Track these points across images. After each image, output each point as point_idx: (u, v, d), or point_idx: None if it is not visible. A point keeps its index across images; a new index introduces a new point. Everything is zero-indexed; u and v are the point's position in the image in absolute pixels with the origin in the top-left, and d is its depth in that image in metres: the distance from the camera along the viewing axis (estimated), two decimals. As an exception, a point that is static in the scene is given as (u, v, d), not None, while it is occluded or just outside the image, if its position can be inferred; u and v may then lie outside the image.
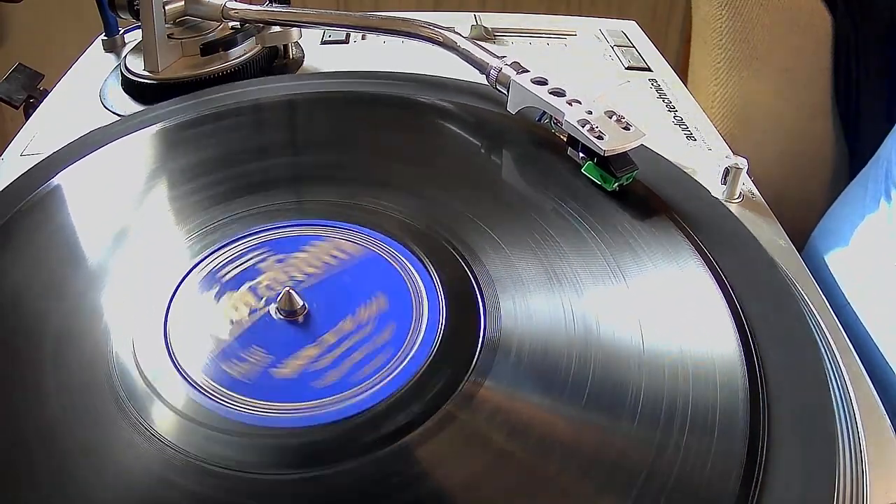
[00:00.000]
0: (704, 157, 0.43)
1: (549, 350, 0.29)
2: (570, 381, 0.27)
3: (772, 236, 0.37)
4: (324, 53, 0.55)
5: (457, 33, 0.45)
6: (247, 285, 0.32)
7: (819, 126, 0.73)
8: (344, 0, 1.01)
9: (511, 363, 0.28)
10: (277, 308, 0.30)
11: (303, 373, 0.28)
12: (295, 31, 0.51)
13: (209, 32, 0.51)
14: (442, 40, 0.45)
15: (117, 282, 0.33)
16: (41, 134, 0.46)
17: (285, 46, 0.52)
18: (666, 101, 0.49)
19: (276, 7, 0.50)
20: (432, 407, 0.27)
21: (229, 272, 0.32)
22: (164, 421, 0.27)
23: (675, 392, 0.27)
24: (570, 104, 0.38)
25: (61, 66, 0.54)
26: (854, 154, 0.73)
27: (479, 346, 0.29)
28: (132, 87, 0.49)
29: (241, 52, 0.49)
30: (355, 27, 0.50)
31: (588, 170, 0.37)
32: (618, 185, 0.36)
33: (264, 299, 0.31)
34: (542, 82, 0.39)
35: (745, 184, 0.39)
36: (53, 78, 0.53)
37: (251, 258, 0.33)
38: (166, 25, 0.49)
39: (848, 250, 0.47)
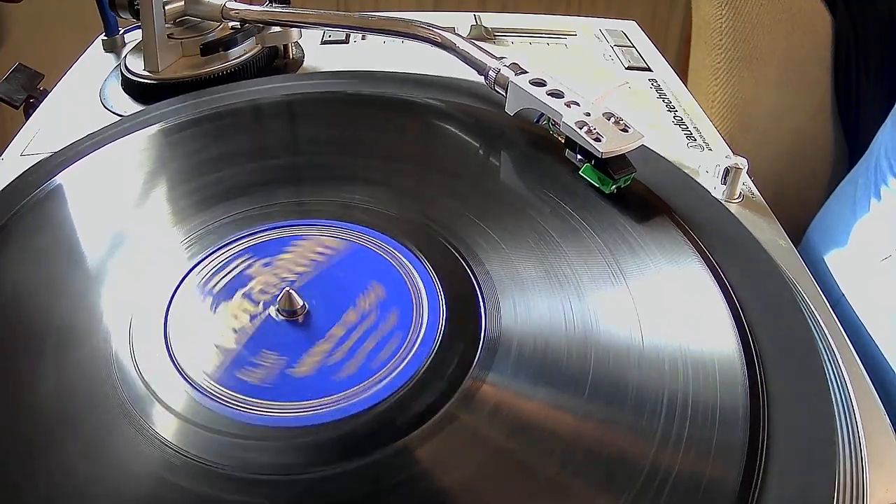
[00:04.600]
0: (704, 157, 0.43)
1: (550, 349, 0.29)
2: (570, 380, 0.27)
3: (772, 236, 0.37)
4: (324, 53, 0.55)
5: (456, 34, 0.45)
6: (240, 293, 0.32)
7: (819, 126, 0.73)
8: (344, 0, 1.01)
9: (511, 363, 0.28)
10: (278, 309, 0.30)
11: (321, 368, 0.28)
12: (295, 31, 0.51)
13: (209, 32, 0.51)
14: (441, 41, 0.45)
15: (117, 282, 0.33)
16: (41, 134, 0.46)
17: (285, 46, 0.52)
18: (666, 101, 0.49)
19: (276, 7, 0.50)
20: (432, 407, 0.27)
21: (218, 282, 0.32)
22: (165, 419, 0.27)
23: (676, 391, 0.27)
24: (568, 106, 0.38)
25: (61, 66, 0.54)
26: (854, 154, 0.73)
27: (479, 345, 0.29)
28: (132, 87, 0.49)
29: (241, 52, 0.49)
30: (355, 27, 0.50)
31: (586, 172, 0.37)
32: (615, 188, 0.36)
33: (261, 303, 0.31)
34: (540, 83, 0.39)
35: (745, 184, 0.39)
36: (53, 78, 0.53)
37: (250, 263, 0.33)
38: (166, 25, 0.49)
39: (841, 245, 0.47)
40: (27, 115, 0.51)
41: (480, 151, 0.42)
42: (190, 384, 0.28)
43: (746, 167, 0.38)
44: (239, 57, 0.49)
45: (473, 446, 0.26)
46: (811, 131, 0.73)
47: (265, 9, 0.50)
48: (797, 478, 0.24)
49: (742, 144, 0.64)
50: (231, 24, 0.50)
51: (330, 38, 0.57)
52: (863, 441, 0.27)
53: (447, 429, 0.26)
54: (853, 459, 0.26)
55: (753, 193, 0.40)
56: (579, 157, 0.37)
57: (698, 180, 0.39)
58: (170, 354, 0.29)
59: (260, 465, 0.25)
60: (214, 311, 0.31)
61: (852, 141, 0.73)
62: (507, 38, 0.58)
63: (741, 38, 0.71)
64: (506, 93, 0.41)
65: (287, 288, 0.30)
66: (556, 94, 0.39)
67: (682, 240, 0.33)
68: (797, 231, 0.53)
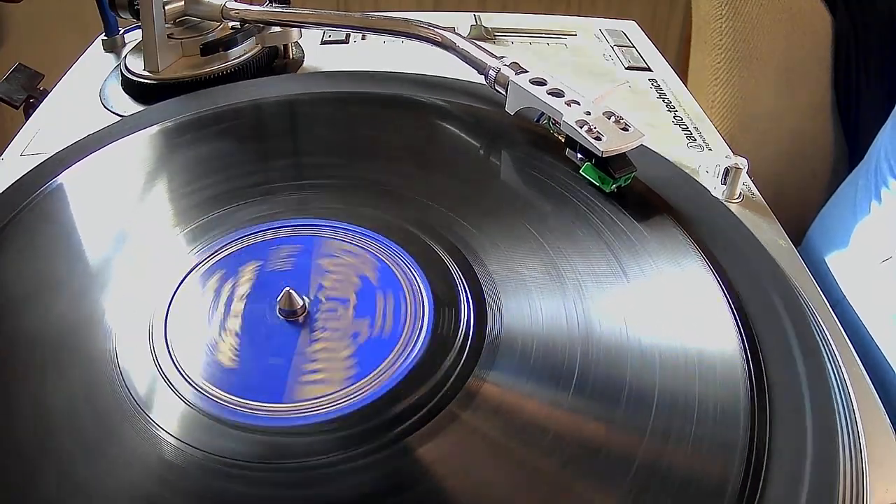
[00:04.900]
0: (704, 157, 0.43)
1: (551, 348, 0.29)
2: (571, 379, 0.27)
3: (772, 236, 0.37)
4: (324, 53, 0.55)
5: (457, 34, 0.45)
6: (240, 293, 0.32)
7: (819, 126, 0.73)
8: (344, 0, 1.01)
9: (512, 362, 0.28)
10: (278, 309, 0.30)
11: (320, 368, 0.28)
12: (295, 31, 0.51)
13: (209, 32, 0.51)
14: (441, 41, 0.45)
15: (118, 282, 0.33)
16: (41, 134, 0.46)
17: (285, 46, 0.52)
18: (666, 101, 0.49)
19: (276, 7, 0.50)
20: (434, 407, 0.27)
21: (219, 282, 0.32)
22: (165, 420, 0.27)
23: (677, 390, 0.27)
24: (568, 105, 0.38)
25: (61, 66, 0.54)
26: (854, 154, 0.73)
27: (481, 345, 0.29)
28: (132, 87, 0.49)
29: (241, 52, 0.49)
30: (355, 27, 0.50)
31: (586, 171, 0.37)
32: (616, 187, 0.36)
33: (261, 303, 0.31)
34: (540, 83, 0.39)
35: (745, 184, 0.39)
36: (53, 78, 0.53)
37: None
38: (166, 25, 0.49)
39: (841, 246, 0.47)
40: (27, 115, 0.51)
41: (481, 151, 0.42)
42: (189, 384, 0.28)
43: (746, 167, 0.38)
44: (239, 57, 0.49)
45: (475, 445, 0.26)
46: (811, 131, 0.73)
47: (265, 9, 0.50)
48: (798, 478, 0.24)
49: (742, 144, 0.64)
50: (231, 24, 0.50)
51: (330, 38, 0.57)
52: (863, 441, 0.26)
53: (448, 428, 0.26)
54: (853, 459, 0.26)
55: (753, 193, 0.40)
56: (580, 156, 0.37)
57: (698, 180, 0.39)
58: (170, 354, 0.29)
59: (259, 464, 0.25)
60: (215, 311, 0.31)
61: (852, 141, 0.73)
62: (507, 38, 0.58)
63: (741, 38, 0.71)
64: (506, 92, 0.41)
65: (287, 287, 0.30)
66: (557, 94, 0.39)
67: (682, 239, 0.33)
68: (797, 231, 0.53)
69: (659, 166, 0.39)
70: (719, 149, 0.44)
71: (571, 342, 0.29)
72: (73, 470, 0.25)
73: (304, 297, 0.31)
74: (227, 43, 0.48)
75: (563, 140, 0.38)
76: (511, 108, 0.41)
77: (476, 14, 0.60)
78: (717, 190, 0.39)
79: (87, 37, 0.58)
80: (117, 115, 0.47)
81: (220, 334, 0.30)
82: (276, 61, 0.52)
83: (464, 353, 0.29)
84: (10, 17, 0.98)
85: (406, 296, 0.31)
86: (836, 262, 0.47)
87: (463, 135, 0.43)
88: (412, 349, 0.29)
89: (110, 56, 0.55)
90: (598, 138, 0.35)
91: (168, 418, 0.27)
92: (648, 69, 0.54)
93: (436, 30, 0.45)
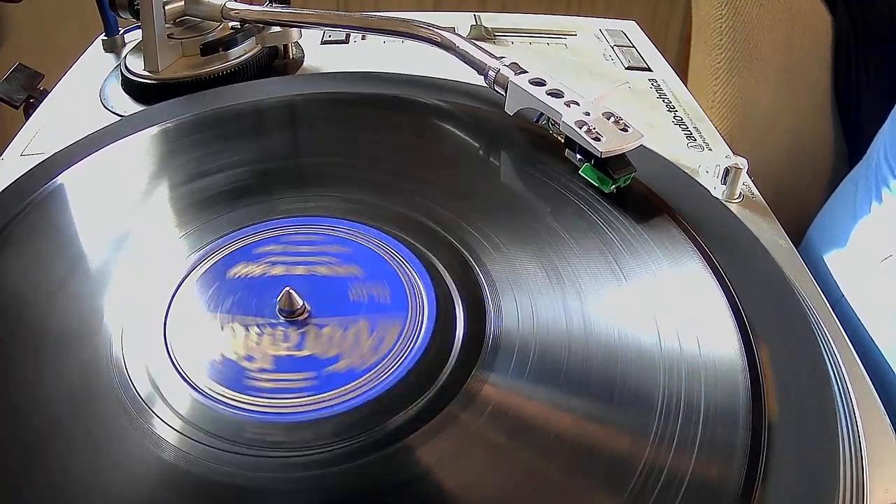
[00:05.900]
0: (704, 157, 0.43)
1: (550, 349, 0.29)
2: (571, 380, 0.27)
3: (772, 236, 0.37)
4: (324, 53, 0.55)
5: (456, 34, 0.45)
6: (240, 293, 0.32)
7: (819, 126, 0.73)
8: (344, 0, 1.01)
9: (512, 363, 0.28)
10: (278, 309, 0.30)
11: (320, 367, 0.28)
12: (295, 31, 0.51)
13: (209, 32, 0.51)
14: (440, 41, 0.45)
15: (118, 282, 0.33)
16: (41, 134, 0.46)
17: (285, 46, 0.52)
18: (666, 101, 0.49)
19: (276, 7, 0.50)
20: (434, 407, 0.27)
21: (218, 283, 0.32)
22: (165, 421, 0.27)
23: (677, 391, 0.27)
24: (567, 105, 0.38)
25: (61, 66, 0.54)
26: (854, 154, 0.73)
27: (480, 346, 0.29)
28: (132, 87, 0.49)
29: (241, 52, 0.49)
30: (355, 27, 0.50)
31: (585, 171, 0.37)
32: (615, 188, 0.36)
33: (261, 303, 0.31)
34: (539, 83, 0.39)
35: (745, 184, 0.39)
36: (53, 78, 0.53)
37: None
38: (166, 25, 0.49)
39: (841, 246, 0.47)
40: (27, 115, 0.51)
41: (480, 151, 0.42)
42: (189, 384, 0.28)
43: (746, 167, 0.38)
44: (239, 57, 0.49)
45: (474, 446, 0.26)
46: (811, 131, 0.73)
47: (265, 9, 0.50)
48: (798, 478, 0.24)
49: (742, 144, 0.64)
50: (231, 24, 0.50)
51: (330, 38, 0.57)
52: (863, 441, 0.27)
53: (448, 429, 0.26)
54: (853, 459, 0.26)
55: (753, 193, 0.40)
56: (579, 156, 0.37)
57: (698, 180, 0.39)
58: (169, 355, 0.29)
59: (259, 464, 0.25)
60: (214, 311, 0.31)
61: (852, 141, 0.73)
62: (507, 38, 0.58)
63: (741, 38, 0.71)
64: (505, 92, 0.41)
65: (287, 287, 0.30)
66: (556, 94, 0.39)
67: (682, 239, 0.33)
68: (797, 231, 0.53)
69: (659, 166, 0.39)
70: (719, 149, 0.44)
71: (571, 343, 0.29)
72: (73, 470, 0.25)
73: (304, 297, 0.30)
74: (227, 43, 0.48)
75: (562, 140, 0.38)
76: (510, 109, 0.41)
77: (476, 14, 0.60)
78: (717, 190, 0.39)
79: (87, 37, 0.58)
80: (117, 115, 0.47)
81: (219, 334, 0.30)
82: (276, 61, 0.52)
83: (463, 353, 0.29)
84: (10, 17, 0.99)
85: (406, 296, 0.31)
86: (836, 261, 0.47)
87: (462, 135, 0.43)
88: (412, 349, 0.29)
89: (110, 56, 0.55)
90: (597, 139, 0.35)
91: (168, 418, 0.27)
92: (648, 69, 0.54)
93: (436, 30, 0.45)
